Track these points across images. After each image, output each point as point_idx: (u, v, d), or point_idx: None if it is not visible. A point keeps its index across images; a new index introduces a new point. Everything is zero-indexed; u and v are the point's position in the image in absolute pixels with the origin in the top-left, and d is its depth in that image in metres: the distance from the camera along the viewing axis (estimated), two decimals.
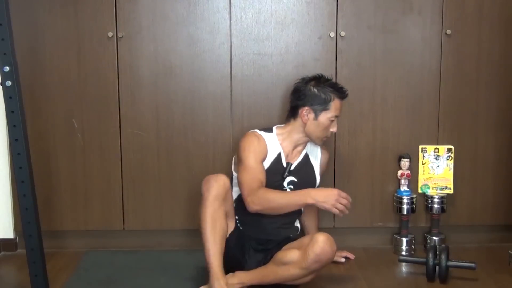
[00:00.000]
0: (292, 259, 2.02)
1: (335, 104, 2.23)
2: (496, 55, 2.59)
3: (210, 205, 2.03)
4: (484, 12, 2.55)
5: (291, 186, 2.26)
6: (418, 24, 2.55)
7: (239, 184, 2.16)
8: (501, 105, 2.63)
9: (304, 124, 2.25)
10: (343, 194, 2.04)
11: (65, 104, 2.52)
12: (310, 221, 2.52)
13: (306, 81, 2.28)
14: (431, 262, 2.24)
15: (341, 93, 2.27)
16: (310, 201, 2.05)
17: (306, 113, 2.23)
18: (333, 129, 2.27)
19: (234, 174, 2.26)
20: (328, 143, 2.59)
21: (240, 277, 2.09)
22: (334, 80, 2.54)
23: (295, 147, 2.30)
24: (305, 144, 2.33)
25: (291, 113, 2.29)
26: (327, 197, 2.03)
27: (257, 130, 2.27)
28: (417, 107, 2.61)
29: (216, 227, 2.03)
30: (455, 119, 2.62)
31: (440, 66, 2.58)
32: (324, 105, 2.22)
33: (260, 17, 2.52)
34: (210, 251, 2.01)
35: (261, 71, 2.55)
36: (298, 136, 2.28)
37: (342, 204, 2.03)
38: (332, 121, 2.25)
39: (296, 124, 2.26)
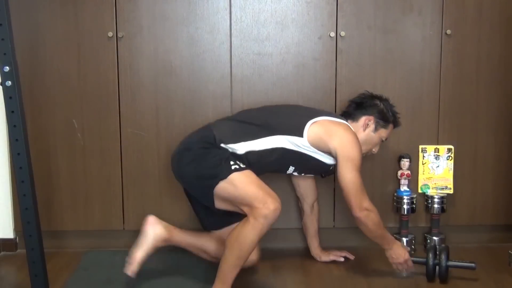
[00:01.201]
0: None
1: (391, 127, 2.38)
2: (496, 55, 2.59)
3: (267, 227, 1.95)
4: (484, 12, 2.55)
5: (294, 170, 2.28)
6: (418, 24, 2.55)
7: (347, 182, 2.13)
8: (501, 105, 2.63)
9: (362, 131, 2.31)
10: (410, 264, 2.26)
11: (65, 104, 2.53)
12: (311, 224, 2.53)
13: (372, 96, 2.38)
14: (431, 262, 2.24)
15: (398, 122, 2.40)
16: (387, 249, 2.25)
17: (369, 122, 2.31)
18: (376, 149, 2.38)
19: (305, 138, 2.13)
20: None
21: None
22: (334, 80, 2.55)
23: None
24: None
25: (352, 114, 2.34)
26: (398, 257, 2.24)
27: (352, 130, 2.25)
28: (417, 107, 2.61)
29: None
30: (455, 119, 2.62)
31: (440, 66, 2.58)
32: (386, 122, 2.34)
33: (260, 17, 2.52)
34: (234, 274, 2.02)
35: (261, 71, 2.55)
36: None
37: (402, 267, 2.27)
38: (382, 141, 2.37)
39: (353, 127, 2.29)
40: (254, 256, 2.23)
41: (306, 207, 2.52)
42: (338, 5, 2.52)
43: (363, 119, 2.32)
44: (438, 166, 2.62)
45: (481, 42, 2.57)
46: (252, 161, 2.13)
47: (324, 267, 2.44)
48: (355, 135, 2.21)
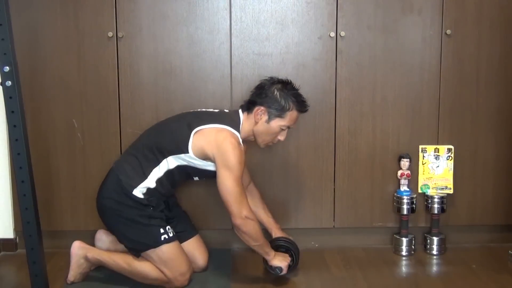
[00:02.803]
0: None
1: (291, 114, 2.23)
2: (496, 55, 2.59)
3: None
4: (484, 12, 2.55)
5: (197, 178, 2.33)
6: (418, 24, 2.55)
7: (225, 190, 2.11)
8: (501, 105, 2.63)
9: (255, 123, 2.24)
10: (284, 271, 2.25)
11: (65, 104, 2.53)
12: (264, 216, 2.47)
13: (272, 82, 2.27)
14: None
15: (302, 106, 2.26)
16: (270, 259, 2.23)
17: (260, 112, 2.23)
18: (281, 137, 2.27)
19: (190, 152, 2.17)
20: (327, 142, 2.60)
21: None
22: (334, 80, 2.55)
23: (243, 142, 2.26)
24: (247, 142, 2.32)
25: (247, 107, 2.28)
26: (283, 262, 2.24)
27: (237, 135, 2.19)
28: (417, 107, 2.61)
29: None
30: (455, 119, 2.62)
31: (440, 66, 2.58)
32: (280, 111, 2.21)
33: (260, 17, 2.52)
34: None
35: (261, 71, 2.54)
36: (248, 132, 2.26)
37: (284, 271, 2.25)
38: (283, 130, 2.25)
39: (249, 120, 2.26)
40: (201, 262, 2.35)
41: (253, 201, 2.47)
42: (338, 5, 2.52)
43: (255, 111, 2.23)
44: (438, 166, 2.62)
45: (481, 42, 2.57)
46: (164, 185, 2.24)
47: (324, 267, 2.44)
48: (234, 142, 2.13)
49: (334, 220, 2.67)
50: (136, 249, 2.20)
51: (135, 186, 2.18)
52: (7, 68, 1.77)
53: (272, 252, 2.24)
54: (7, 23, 1.75)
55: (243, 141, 2.24)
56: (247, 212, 2.12)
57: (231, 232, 2.67)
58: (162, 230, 2.18)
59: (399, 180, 2.63)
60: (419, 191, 2.64)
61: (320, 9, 2.52)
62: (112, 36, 2.47)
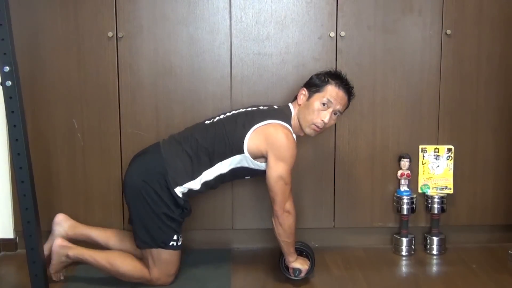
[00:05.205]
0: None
1: (330, 88, 2.21)
2: (496, 55, 2.59)
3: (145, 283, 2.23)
4: (484, 12, 2.55)
5: (249, 177, 2.32)
6: (418, 24, 2.55)
7: (274, 179, 2.11)
8: (501, 105, 2.63)
9: (298, 105, 2.25)
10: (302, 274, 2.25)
11: (65, 104, 2.52)
12: None
13: (318, 73, 2.30)
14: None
15: (338, 79, 2.24)
16: (292, 261, 2.24)
17: (302, 94, 2.25)
18: (325, 118, 2.19)
19: (246, 153, 2.16)
20: (328, 142, 2.60)
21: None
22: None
23: None
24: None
25: (294, 98, 2.31)
26: (304, 266, 2.24)
27: (288, 127, 2.18)
28: (417, 107, 2.61)
29: None
30: (455, 119, 2.62)
31: (440, 66, 2.58)
32: (318, 87, 2.22)
33: (260, 17, 2.52)
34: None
35: (261, 71, 2.54)
36: (296, 127, 2.25)
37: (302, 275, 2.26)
38: (324, 104, 2.19)
39: (296, 108, 2.26)
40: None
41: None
42: (338, 5, 2.52)
43: (298, 95, 2.27)
44: (438, 166, 2.62)
45: (481, 42, 2.57)
46: (210, 185, 2.24)
47: (324, 267, 2.44)
48: (287, 133, 2.14)
49: (334, 220, 2.67)
50: (143, 241, 2.18)
51: (180, 185, 2.17)
52: (7, 68, 1.77)
53: (295, 255, 2.25)
54: (7, 23, 1.75)
55: (295, 135, 2.23)
56: (290, 206, 2.15)
57: (231, 232, 2.68)
58: (175, 237, 2.19)
59: (399, 180, 2.63)
60: (419, 191, 2.64)
61: (320, 9, 2.52)
62: (112, 36, 2.47)
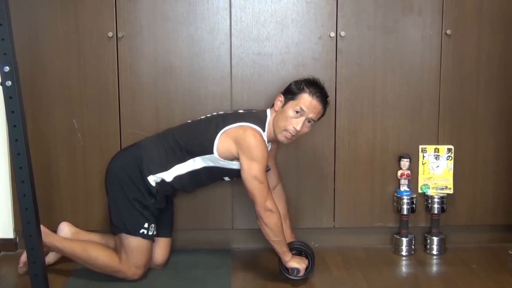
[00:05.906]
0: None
1: (304, 97, 2.19)
2: (496, 55, 2.59)
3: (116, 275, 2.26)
4: (484, 12, 2.55)
5: (227, 178, 2.35)
6: (418, 24, 2.55)
7: (250, 180, 2.12)
8: (501, 105, 2.63)
9: (274, 112, 2.26)
10: (301, 273, 2.25)
11: (65, 104, 2.52)
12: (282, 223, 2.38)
13: (297, 80, 2.29)
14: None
15: (313, 86, 2.22)
16: (287, 260, 2.23)
17: (278, 100, 2.26)
18: (297, 126, 2.18)
19: (215, 153, 2.19)
20: (328, 142, 2.60)
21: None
22: (334, 80, 2.55)
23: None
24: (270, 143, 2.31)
25: (272, 104, 2.31)
26: (301, 264, 2.24)
27: (259, 130, 2.20)
28: (417, 107, 2.61)
29: None
30: (455, 119, 2.62)
31: (440, 66, 2.58)
32: (293, 95, 2.22)
33: (260, 17, 2.52)
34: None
35: (261, 71, 2.55)
36: (271, 132, 2.25)
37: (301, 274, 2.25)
38: (297, 112, 2.18)
39: (272, 114, 2.26)
40: (158, 260, 2.38)
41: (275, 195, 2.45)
42: (338, 5, 2.52)
43: (274, 101, 2.27)
44: (438, 166, 2.62)
45: (481, 42, 2.57)
46: (184, 183, 2.28)
47: (324, 267, 2.44)
48: (257, 135, 2.16)
49: (334, 220, 2.67)
50: (115, 226, 2.26)
51: (153, 173, 2.23)
52: (7, 68, 1.77)
53: (290, 253, 2.25)
54: (7, 23, 1.75)
55: (270, 141, 2.26)
56: (270, 204, 2.14)
57: (231, 232, 2.68)
58: (146, 225, 2.24)
59: (399, 180, 2.63)
60: (419, 191, 2.64)
61: (320, 9, 2.52)
62: (112, 36, 2.47)
